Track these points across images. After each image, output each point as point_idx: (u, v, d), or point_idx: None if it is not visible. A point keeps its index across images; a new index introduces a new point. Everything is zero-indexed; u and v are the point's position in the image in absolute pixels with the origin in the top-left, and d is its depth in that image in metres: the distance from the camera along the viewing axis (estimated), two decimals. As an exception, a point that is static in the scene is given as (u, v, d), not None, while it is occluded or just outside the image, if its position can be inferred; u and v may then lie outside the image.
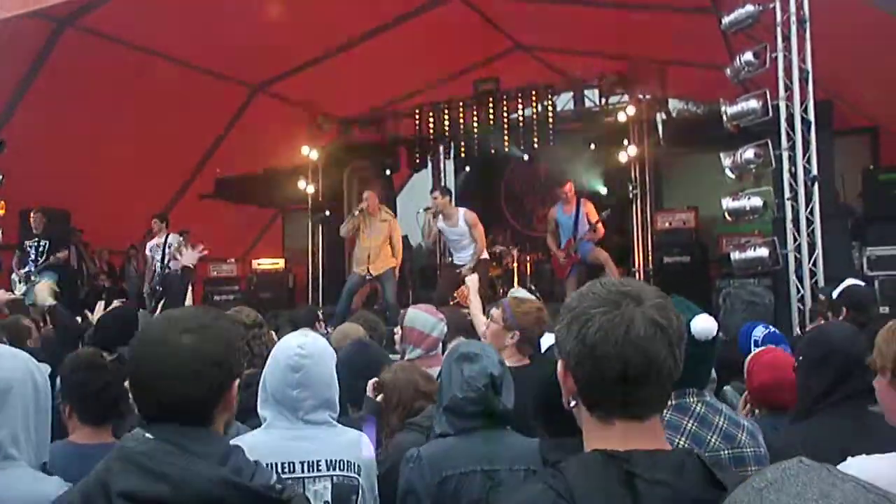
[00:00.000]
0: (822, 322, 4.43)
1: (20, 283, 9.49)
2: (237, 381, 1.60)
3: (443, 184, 11.87)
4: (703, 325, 1.92)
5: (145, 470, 1.38)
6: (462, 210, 8.49)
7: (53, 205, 10.25)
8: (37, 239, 9.67)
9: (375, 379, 2.86)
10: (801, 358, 2.48)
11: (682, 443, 1.90)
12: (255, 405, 2.71)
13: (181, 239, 10.16)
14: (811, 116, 6.47)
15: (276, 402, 2.27)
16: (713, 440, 1.93)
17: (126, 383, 3.12)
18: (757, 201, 6.77)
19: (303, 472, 2.19)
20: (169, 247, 10.02)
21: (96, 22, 9.04)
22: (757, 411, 2.90)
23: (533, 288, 10.33)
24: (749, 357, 3.04)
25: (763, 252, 6.70)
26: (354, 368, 3.00)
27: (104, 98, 9.68)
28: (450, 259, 9.22)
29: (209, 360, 1.50)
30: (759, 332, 3.70)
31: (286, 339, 2.37)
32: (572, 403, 1.27)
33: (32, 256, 9.66)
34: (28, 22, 8.55)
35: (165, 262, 9.83)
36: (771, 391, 2.83)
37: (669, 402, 1.95)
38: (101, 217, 11.01)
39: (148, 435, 1.46)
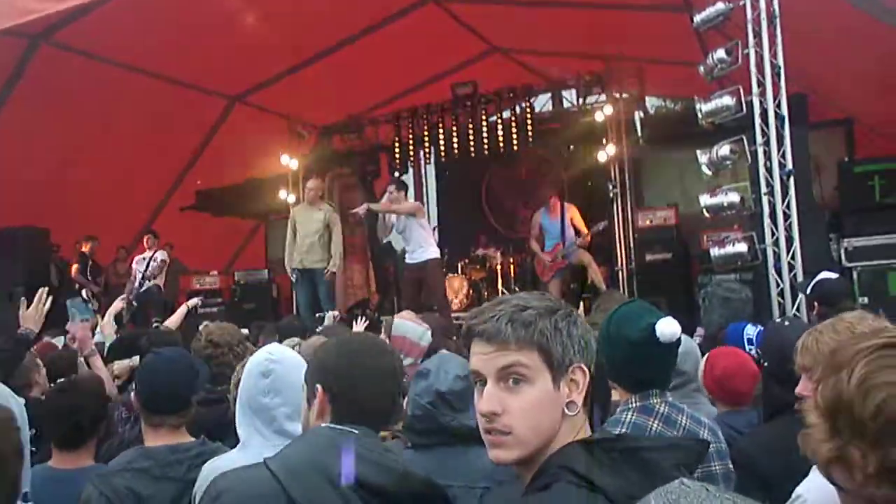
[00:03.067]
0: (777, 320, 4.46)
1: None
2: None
3: (423, 189, 11.89)
4: (668, 327, 1.93)
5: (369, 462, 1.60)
6: (411, 201, 8.48)
7: (33, 222, 10.19)
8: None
9: None
10: (761, 361, 2.51)
11: (647, 444, 1.91)
12: (231, 420, 2.72)
13: (166, 255, 10.19)
14: (784, 111, 6.51)
15: (251, 411, 2.27)
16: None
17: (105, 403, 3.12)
18: (734, 197, 6.80)
19: None
20: (154, 261, 10.03)
21: (70, 37, 8.97)
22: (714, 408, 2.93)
23: (517, 290, 10.36)
24: (708, 354, 3.07)
25: (742, 247, 6.74)
26: None
27: (81, 113, 9.61)
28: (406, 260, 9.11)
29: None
30: (750, 330, 3.70)
31: (256, 353, 2.41)
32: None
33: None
34: (0, 40, 8.48)
35: (145, 275, 9.82)
36: (731, 378, 2.86)
37: (634, 404, 1.98)
38: (81, 233, 10.95)
39: (355, 430, 1.66)
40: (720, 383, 2.93)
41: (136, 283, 9.99)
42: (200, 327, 4.11)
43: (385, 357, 1.82)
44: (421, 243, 8.33)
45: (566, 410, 1.25)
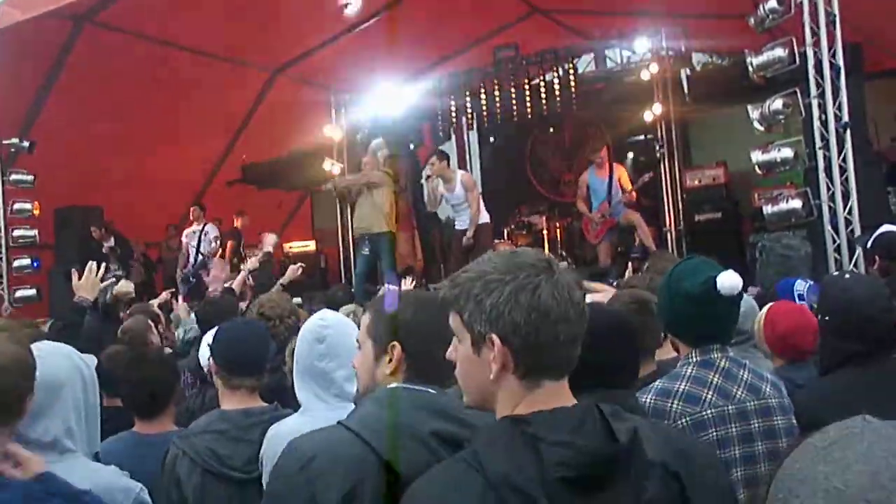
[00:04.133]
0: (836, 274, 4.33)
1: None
2: None
3: (467, 155, 11.82)
4: (728, 280, 1.90)
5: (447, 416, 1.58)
6: (460, 173, 8.47)
7: (85, 202, 10.43)
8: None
9: None
10: (820, 315, 2.45)
11: (709, 396, 1.91)
12: (287, 386, 2.76)
13: (216, 230, 10.35)
14: (840, 61, 6.28)
15: (309, 377, 2.30)
16: (739, 393, 1.94)
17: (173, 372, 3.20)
18: (788, 152, 6.61)
19: None
20: (205, 235, 10.21)
21: (113, 17, 9.09)
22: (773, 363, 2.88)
23: (563, 254, 10.29)
24: (765, 309, 3.00)
25: (796, 203, 6.56)
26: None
27: (127, 92, 9.76)
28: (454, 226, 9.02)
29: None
30: (800, 285, 3.62)
31: (309, 319, 2.44)
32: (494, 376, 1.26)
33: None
34: (46, 22, 8.63)
35: (199, 249, 10.00)
36: (794, 335, 2.81)
37: (694, 358, 1.96)
38: (131, 210, 11.17)
39: (431, 390, 1.64)
40: (783, 340, 2.87)
41: (192, 259, 10.17)
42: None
43: None
44: (475, 209, 8.31)
45: (491, 377, 1.26)
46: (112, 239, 10.37)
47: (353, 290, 8.04)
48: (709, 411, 1.87)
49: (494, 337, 1.24)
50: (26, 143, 9.29)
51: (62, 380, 1.96)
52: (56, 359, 2.00)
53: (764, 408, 1.93)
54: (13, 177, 9.46)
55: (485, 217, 8.42)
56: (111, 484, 2.02)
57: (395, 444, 1.52)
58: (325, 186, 8.86)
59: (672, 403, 1.87)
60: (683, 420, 1.86)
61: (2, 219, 9.45)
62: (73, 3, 8.39)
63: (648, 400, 1.90)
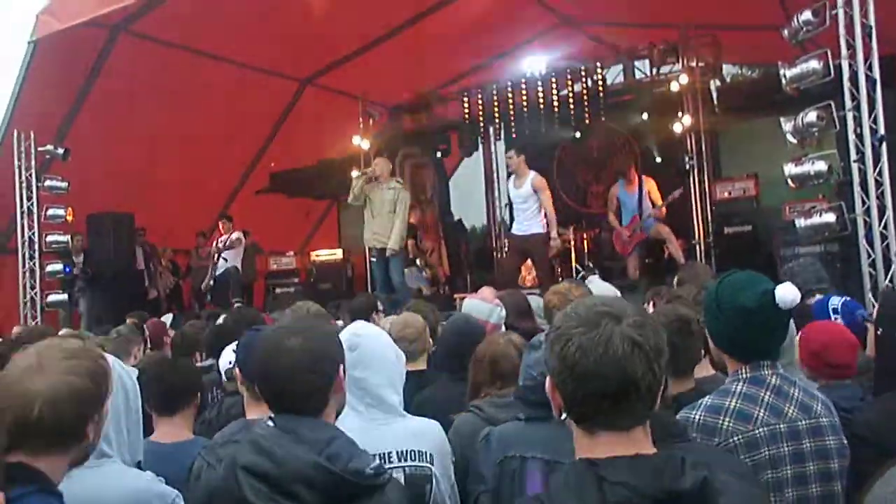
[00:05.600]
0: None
1: None
2: (341, 375, 1.85)
3: (494, 165, 11.81)
4: (788, 293, 1.87)
5: (260, 449, 1.66)
6: (532, 173, 8.23)
7: (117, 208, 10.56)
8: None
9: None
10: (881, 329, 2.40)
11: (761, 414, 1.87)
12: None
13: (241, 235, 10.45)
14: (876, 74, 6.21)
15: None
16: (790, 411, 1.90)
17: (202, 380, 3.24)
18: (821, 165, 6.53)
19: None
20: (229, 240, 10.30)
21: (147, 27, 9.24)
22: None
23: (591, 265, 10.24)
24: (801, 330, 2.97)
25: (830, 217, 6.47)
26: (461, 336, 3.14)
27: (159, 101, 9.90)
28: (511, 230, 8.85)
29: (316, 356, 1.77)
30: (835, 301, 3.58)
31: (343, 330, 2.45)
32: (563, 416, 1.34)
33: None
34: (83, 32, 8.78)
35: (220, 251, 10.10)
36: (830, 350, 2.76)
37: (744, 374, 1.93)
38: (161, 217, 11.29)
39: (269, 423, 1.74)
40: (817, 356, 2.83)
41: (214, 261, 10.28)
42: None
43: (299, 337, 1.81)
44: (532, 216, 8.20)
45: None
46: (82, 256, 10.44)
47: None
48: (761, 430, 1.84)
49: (549, 380, 1.33)
50: (61, 151, 9.45)
51: None
52: None
53: (815, 427, 1.90)
54: (48, 183, 9.62)
55: (542, 227, 8.15)
56: (146, 490, 2.04)
57: (226, 479, 1.68)
58: (349, 200, 8.83)
59: (723, 421, 1.85)
60: (735, 438, 1.83)
61: (36, 224, 9.60)
62: (109, 13, 8.54)
63: (698, 417, 1.88)
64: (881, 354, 2.40)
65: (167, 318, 6.62)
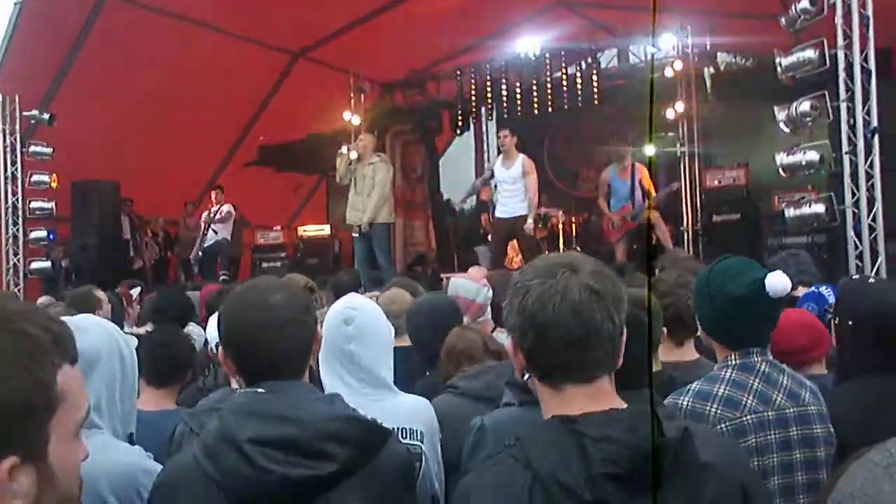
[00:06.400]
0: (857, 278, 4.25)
1: None
2: (319, 333, 1.74)
3: (484, 145, 11.76)
4: (778, 282, 1.85)
5: (268, 416, 1.50)
6: (522, 156, 8.21)
7: (102, 176, 10.43)
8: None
9: None
10: (840, 319, 2.40)
11: (749, 402, 1.86)
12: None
13: (231, 208, 10.37)
14: (871, 65, 6.19)
15: (335, 360, 2.25)
16: (779, 398, 1.89)
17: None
18: (813, 155, 6.52)
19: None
20: (220, 212, 10.22)
21: (137, -8, 9.09)
22: None
23: (578, 249, 10.24)
24: None
25: (819, 208, 6.48)
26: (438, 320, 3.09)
27: (148, 69, 9.75)
28: (494, 212, 8.86)
29: (298, 311, 1.64)
30: (825, 291, 3.57)
31: (337, 302, 2.41)
32: (525, 377, 1.33)
33: None
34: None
35: (209, 223, 10.03)
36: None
37: (733, 361, 1.92)
38: (148, 187, 11.17)
39: (260, 389, 1.57)
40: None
41: (203, 232, 10.21)
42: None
43: (279, 294, 1.66)
44: (519, 199, 8.16)
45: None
46: (67, 260, 10.31)
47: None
48: (749, 417, 1.83)
49: (509, 339, 1.31)
50: (46, 116, 9.30)
51: (99, 354, 1.93)
52: (96, 332, 1.98)
53: (803, 415, 1.89)
54: (32, 148, 9.49)
55: (526, 209, 8.18)
56: (133, 465, 1.99)
57: (214, 456, 1.49)
58: (337, 180, 8.79)
59: (711, 407, 1.83)
60: (723, 425, 1.82)
61: (20, 190, 9.48)
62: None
63: (686, 402, 1.86)
64: (842, 346, 2.40)
65: (135, 291, 6.52)
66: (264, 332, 1.60)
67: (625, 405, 1.26)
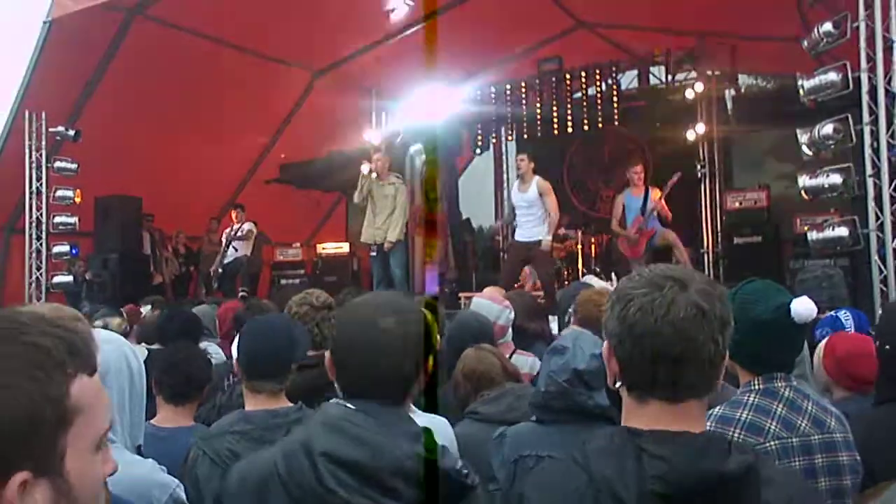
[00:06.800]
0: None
1: None
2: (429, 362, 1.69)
3: (504, 166, 11.77)
4: (804, 307, 1.82)
5: (348, 435, 1.48)
6: (537, 177, 8.17)
7: (126, 192, 10.55)
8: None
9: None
10: (881, 343, 2.36)
11: (772, 427, 1.83)
12: (324, 385, 2.72)
13: (252, 226, 10.44)
14: (895, 88, 6.15)
15: None
16: (803, 425, 1.85)
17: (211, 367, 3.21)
18: (836, 178, 6.45)
19: None
20: (241, 230, 10.30)
21: (162, 11, 9.21)
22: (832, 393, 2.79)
23: (598, 270, 10.18)
24: (823, 342, 2.92)
25: (843, 231, 6.41)
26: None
27: (172, 86, 9.88)
28: (513, 236, 8.89)
29: (412, 340, 1.59)
30: (843, 315, 3.53)
31: None
32: (617, 384, 1.30)
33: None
34: (98, 13, 8.77)
35: (230, 241, 10.09)
36: (850, 359, 2.71)
37: (757, 386, 1.89)
38: (171, 202, 11.28)
39: (350, 406, 1.54)
40: (839, 364, 2.78)
41: (224, 248, 10.27)
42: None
43: (396, 318, 1.62)
44: (537, 223, 8.12)
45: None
46: (89, 274, 10.38)
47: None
48: (772, 443, 1.79)
49: (606, 344, 1.29)
50: (72, 132, 9.44)
51: (108, 368, 1.93)
52: (104, 346, 1.98)
53: (829, 442, 1.85)
54: (57, 164, 9.62)
55: (546, 233, 8.08)
56: (147, 479, 1.99)
57: (289, 464, 1.50)
58: (356, 200, 8.86)
59: (734, 432, 1.80)
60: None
61: (44, 205, 9.60)
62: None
63: (708, 427, 1.83)
64: (882, 370, 2.36)
65: (146, 308, 6.54)
66: (367, 358, 1.57)
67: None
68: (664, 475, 1.14)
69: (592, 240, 10.94)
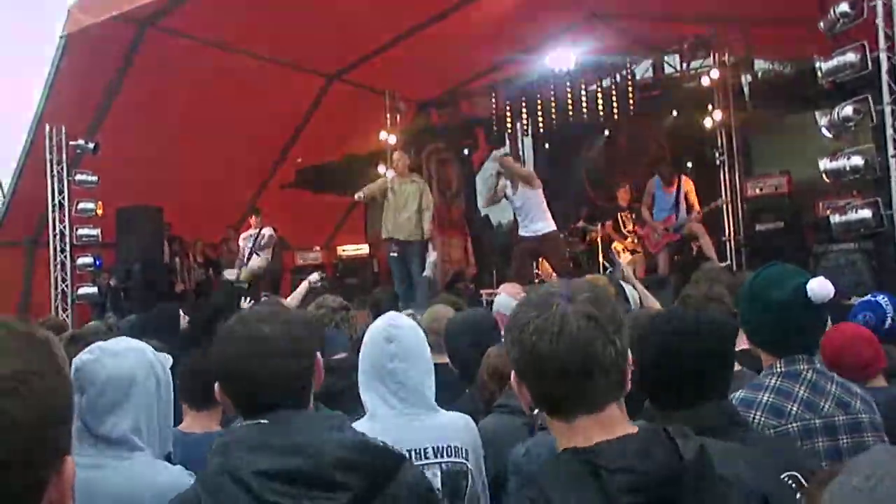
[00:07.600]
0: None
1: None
2: (320, 359, 1.67)
3: (521, 160, 11.76)
4: (820, 287, 1.80)
5: (275, 448, 1.44)
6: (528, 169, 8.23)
7: (146, 202, 10.64)
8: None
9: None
10: None
11: (794, 409, 1.81)
12: (342, 389, 2.70)
13: (272, 231, 10.51)
14: (915, 67, 6.05)
15: (377, 380, 2.20)
16: (826, 406, 1.84)
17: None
18: (858, 160, 6.37)
19: (411, 460, 2.15)
20: (262, 236, 10.36)
21: (175, 22, 9.28)
22: None
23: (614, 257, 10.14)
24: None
25: (866, 213, 6.32)
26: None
27: (188, 95, 9.95)
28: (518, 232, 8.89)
29: (296, 342, 1.58)
30: (882, 299, 3.47)
31: (377, 320, 2.36)
32: (534, 411, 1.32)
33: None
34: (112, 26, 8.85)
35: (253, 248, 10.14)
36: (844, 350, 2.67)
37: (779, 369, 1.86)
38: (191, 211, 11.36)
39: (262, 421, 1.50)
40: (839, 358, 2.74)
41: (245, 258, 10.33)
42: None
43: (269, 324, 1.61)
44: (539, 216, 8.11)
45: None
46: (113, 279, 10.49)
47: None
48: (794, 424, 1.78)
49: (513, 374, 1.30)
50: (91, 145, 9.55)
51: (135, 378, 1.95)
52: (130, 355, 1.99)
53: (853, 423, 1.83)
54: (78, 177, 9.74)
55: (551, 225, 8.14)
56: (176, 484, 2.00)
57: (216, 493, 1.44)
58: (357, 196, 8.90)
59: (755, 414, 1.79)
60: (766, 432, 1.77)
61: (67, 218, 9.72)
62: (137, 7, 8.60)
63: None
64: None
65: None
66: (257, 364, 1.55)
67: (636, 430, 1.24)
68: (632, 485, 1.13)
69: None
